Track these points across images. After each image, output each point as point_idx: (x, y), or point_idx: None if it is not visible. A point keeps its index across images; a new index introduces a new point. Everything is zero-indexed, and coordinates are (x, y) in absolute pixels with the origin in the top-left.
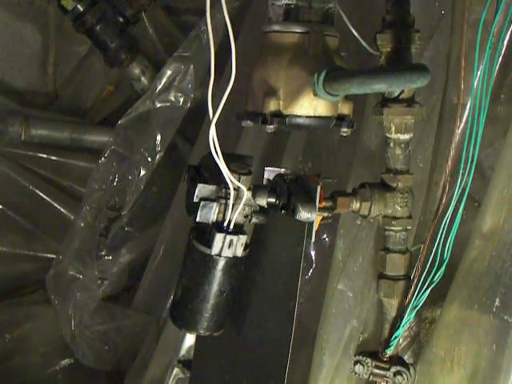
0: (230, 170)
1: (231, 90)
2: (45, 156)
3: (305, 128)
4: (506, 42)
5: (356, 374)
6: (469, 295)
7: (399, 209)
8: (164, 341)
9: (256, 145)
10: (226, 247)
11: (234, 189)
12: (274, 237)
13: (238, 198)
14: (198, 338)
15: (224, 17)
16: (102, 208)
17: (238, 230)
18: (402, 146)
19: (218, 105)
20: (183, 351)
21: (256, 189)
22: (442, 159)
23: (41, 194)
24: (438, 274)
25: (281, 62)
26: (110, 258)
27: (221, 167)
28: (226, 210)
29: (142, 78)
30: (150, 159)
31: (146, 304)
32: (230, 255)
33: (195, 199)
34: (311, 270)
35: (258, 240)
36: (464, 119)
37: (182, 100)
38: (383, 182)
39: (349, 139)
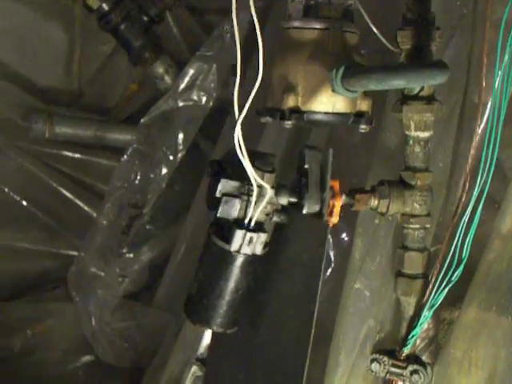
0: (254, 167)
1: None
2: (68, 154)
3: (323, 124)
4: None
5: (373, 372)
6: (487, 297)
7: (418, 207)
8: (182, 338)
9: (277, 143)
10: (246, 244)
11: (258, 186)
12: (294, 237)
13: (260, 195)
14: (214, 336)
15: (252, 15)
16: (124, 206)
17: (259, 227)
18: (422, 143)
19: (244, 104)
20: (201, 349)
21: (278, 187)
22: (462, 159)
23: (64, 191)
24: (455, 274)
25: (300, 58)
26: (132, 255)
27: (245, 164)
28: (247, 206)
29: (166, 77)
30: (171, 158)
31: (166, 302)
32: (249, 252)
33: (218, 194)
34: (330, 270)
35: (277, 239)
36: (484, 119)
37: (204, 99)
38: (402, 179)
39: (369, 137)
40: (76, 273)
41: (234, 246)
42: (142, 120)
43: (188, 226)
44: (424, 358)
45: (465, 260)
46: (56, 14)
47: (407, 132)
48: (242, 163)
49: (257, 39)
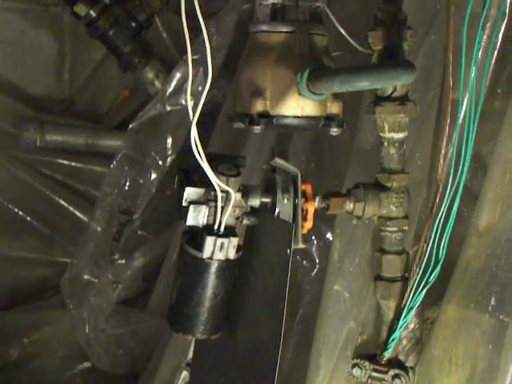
0: (217, 172)
1: None
2: (61, 161)
3: (293, 128)
4: (500, 36)
5: (354, 377)
6: (465, 294)
7: (394, 209)
8: (173, 344)
9: (262, 147)
10: (218, 250)
11: (223, 191)
12: (264, 238)
13: (227, 200)
14: (197, 341)
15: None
16: (115, 212)
17: (229, 232)
18: (397, 145)
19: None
20: (191, 354)
21: (248, 189)
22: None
23: (58, 199)
24: (433, 274)
25: (267, 62)
26: (124, 261)
27: (205, 170)
28: (215, 212)
29: (156, 82)
30: (161, 162)
31: (160, 307)
32: (222, 258)
33: (184, 203)
34: (315, 271)
35: (251, 241)
36: (462, 115)
37: (192, 103)
38: (378, 182)
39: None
40: (69, 280)
41: (206, 253)
42: (130, 125)
43: (181, 231)
44: (411, 358)
45: (441, 260)
46: (46, 23)
47: (381, 133)
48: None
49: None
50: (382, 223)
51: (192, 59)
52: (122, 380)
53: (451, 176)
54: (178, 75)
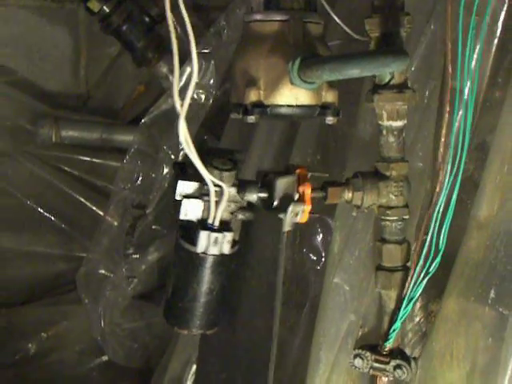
0: (211, 166)
1: None
2: (78, 157)
3: (288, 117)
4: (500, 24)
5: (356, 367)
6: (466, 287)
7: (394, 198)
8: (183, 338)
9: (270, 140)
10: (212, 245)
11: (216, 185)
12: (258, 232)
13: (222, 194)
14: (201, 338)
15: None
16: (128, 207)
17: (224, 227)
18: (395, 133)
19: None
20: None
21: (245, 184)
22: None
23: (75, 194)
24: (433, 265)
25: (261, 52)
26: (138, 256)
27: (195, 164)
28: (210, 207)
29: (170, 77)
30: (173, 157)
31: None
32: (217, 253)
33: (177, 197)
34: (321, 264)
35: (247, 236)
36: (458, 104)
37: (203, 97)
38: (377, 170)
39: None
40: (84, 274)
41: (201, 248)
42: (142, 120)
43: None
44: (417, 350)
45: (442, 250)
46: (61, 19)
47: (380, 122)
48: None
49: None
50: (382, 212)
51: (204, 52)
52: (137, 373)
53: (449, 165)
54: (188, 69)
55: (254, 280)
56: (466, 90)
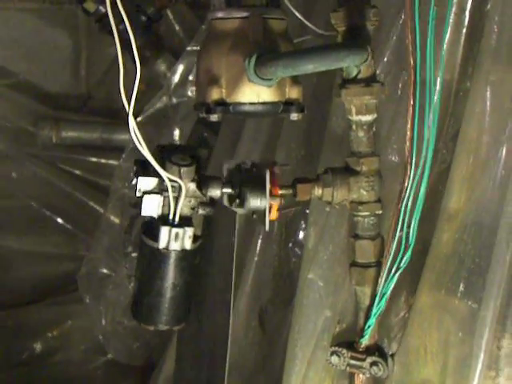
0: (170, 162)
1: None
2: (79, 157)
3: (251, 115)
4: (468, 13)
5: (332, 364)
6: (437, 280)
7: (365, 193)
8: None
9: (257, 136)
10: (173, 240)
11: (172, 181)
12: (216, 228)
13: (180, 190)
14: (177, 335)
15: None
16: (126, 206)
17: (185, 222)
18: (365, 127)
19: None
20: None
21: (209, 180)
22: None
23: (78, 194)
24: (404, 259)
25: (222, 50)
26: (137, 254)
27: (149, 160)
28: (170, 202)
29: (168, 74)
30: None
31: None
32: (178, 248)
33: (137, 193)
34: None
35: (209, 231)
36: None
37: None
38: (348, 166)
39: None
40: (86, 274)
41: (162, 243)
42: (137, 119)
43: None
44: None
45: (412, 245)
46: (60, 21)
47: (349, 116)
48: (161, 159)
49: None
50: (354, 208)
51: (195, 50)
52: (140, 371)
53: (414, 159)
54: (181, 67)
55: (214, 275)
56: (429, 82)
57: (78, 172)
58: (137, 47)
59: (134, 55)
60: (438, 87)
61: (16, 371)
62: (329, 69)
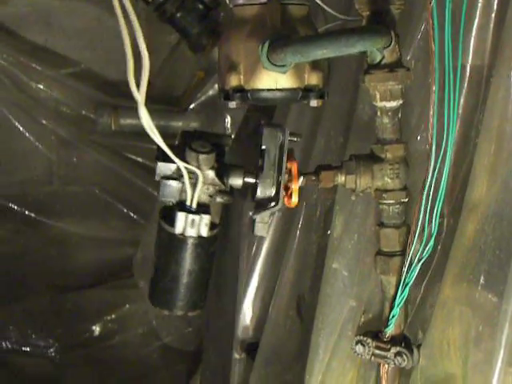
0: (190, 148)
1: None
2: (139, 144)
3: (270, 101)
4: None
5: (357, 354)
6: (459, 272)
7: (389, 181)
8: None
9: (300, 122)
10: (189, 226)
11: (188, 168)
12: (230, 215)
13: (198, 177)
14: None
15: None
16: None
17: (202, 209)
18: (390, 114)
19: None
20: (238, 332)
21: (231, 169)
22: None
23: (138, 180)
24: (426, 249)
25: (241, 36)
26: None
27: (161, 146)
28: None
29: None
30: None
31: None
32: (195, 235)
33: (156, 178)
34: None
35: (226, 220)
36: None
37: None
38: (372, 153)
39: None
40: (141, 259)
41: (178, 229)
42: (190, 106)
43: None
44: None
45: (434, 234)
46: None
47: (374, 103)
48: (183, 145)
49: None
50: (379, 196)
51: None
52: (193, 356)
53: (434, 148)
54: None
55: (228, 262)
56: (448, 68)
57: (138, 158)
58: (194, 35)
59: (191, 43)
60: (466, 73)
61: (75, 353)
62: (341, 54)
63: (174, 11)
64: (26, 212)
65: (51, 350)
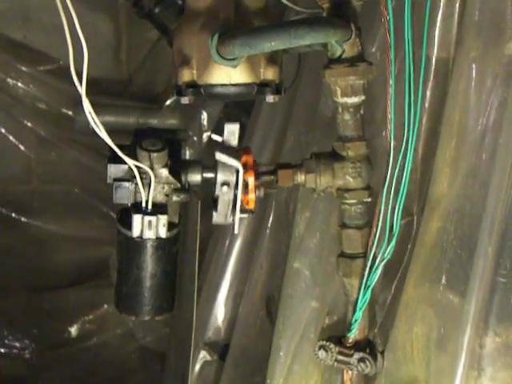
0: (141, 147)
1: None
2: (119, 142)
3: (224, 97)
4: None
5: (320, 359)
6: (422, 272)
7: (351, 180)
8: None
9: (271, 120)
10: (147, 228)
11: (139, 167)
12: (189, 215)
13: (155, 176)
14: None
15: None
16: None
17: (159, 209)
18: (351, 110)
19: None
20: (209, 333)
21: (188, 164)
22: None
23: None
24: (388, 250)
25: (193, 29)
26: None
27: (109, 144)
28: (141, 190)
29: None
30: (196, 139)
31: None
32: (153, 237)
33: (108, 180)
34: None
35: (185, 219)
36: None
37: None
38: (334, 151)
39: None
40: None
41: (136, 232)
42: (166, 103)
43: None
44: None
45: (396, 234)
46: (101, 6)
47: (335, 98)
48: (133, 145)
49: None
50: (341, 195)
51: None
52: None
53: (392, 143)
54: None
55: (187, 263)
56: (410, 61)
57: None
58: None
59: (170, 39)
60: (432, 66)
61: (52, 354)
62: (292, 47)
63: (152, 6)
64: (4, 211)
65: (27, 351)
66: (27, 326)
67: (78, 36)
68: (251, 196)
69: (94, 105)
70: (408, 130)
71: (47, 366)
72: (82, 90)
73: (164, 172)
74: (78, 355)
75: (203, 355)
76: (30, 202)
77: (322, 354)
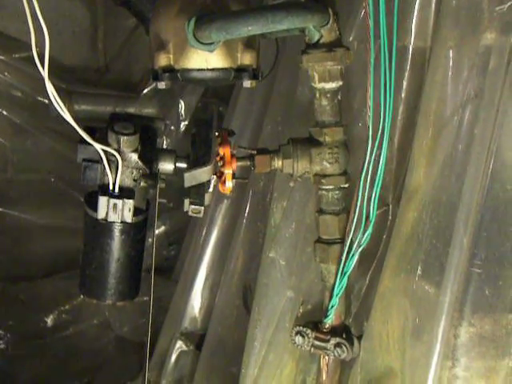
0: (112, 130)
1: None
2: None
3: (201, 82)
4: None
5: (296, 344)
6: (397, 263)
7: (328, 165)
8: (170, 313)
9: (249, 108)
10: (112, 211)
11: (116, 149)
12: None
13: (124, 160)
14: None
15: None
16: None
17: (126, 194)
18: (329, 95)
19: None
20: (185, 323)
21: (161, 153)
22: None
23: None
24: (365, 237)
25: (170, 14)
26: None
27: (73, 126)
28: (110, 172)
29: None
30: (173, 128)
31: None
32: (118, 220)
33: (78, 160)
34: None
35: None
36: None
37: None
38: (311, 136)
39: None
40: None
41: (100, 214)
42: (143, 92)
43: None
44: None
45: (373, 221)
46: None
47: (312, 84)
48: (108, 126)
49: None
50: (318, 181)
51: None
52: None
53: (371, 132)
54: None
55: None
56: (385, 49)
57: None
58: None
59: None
60: (408, 55)
61: (27, 344)
62: (270, 31)
63: None
64: None
65: (2, 341)
66: (2, 316)
67: (55, 25)
68: (227, 188)
69: (70, 93)
70: (384, 120)
71: (23, 356)
72: (45, 72)
73: (133, 156)
74: (54, 345)
75: (179, 345)
76: (5, 191)
77: (298, 339)
